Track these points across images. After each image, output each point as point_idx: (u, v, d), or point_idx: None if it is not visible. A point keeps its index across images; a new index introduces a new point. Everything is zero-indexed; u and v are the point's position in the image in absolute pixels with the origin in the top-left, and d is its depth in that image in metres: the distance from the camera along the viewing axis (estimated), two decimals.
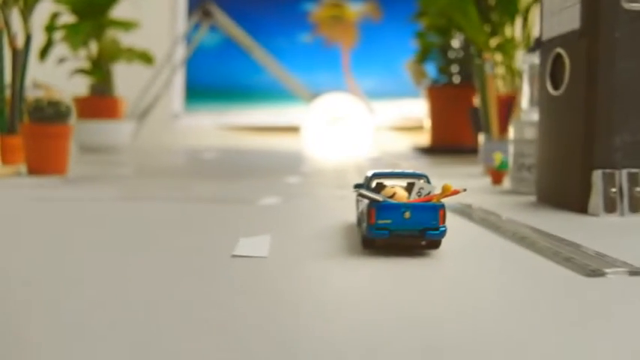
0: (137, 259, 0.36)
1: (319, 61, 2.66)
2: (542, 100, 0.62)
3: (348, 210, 0.56)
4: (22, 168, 0.96)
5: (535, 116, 0.73)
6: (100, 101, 1.74)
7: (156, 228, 0.48)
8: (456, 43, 1.66)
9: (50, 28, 1.65)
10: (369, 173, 0.40)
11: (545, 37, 0.62)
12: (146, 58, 1.79)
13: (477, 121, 1.32)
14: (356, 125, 2.16)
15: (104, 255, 0.37)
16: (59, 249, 0.39)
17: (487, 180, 0.90)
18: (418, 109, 2.46)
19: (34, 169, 0.91)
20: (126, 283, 0.31)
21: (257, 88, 2.61)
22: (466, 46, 1.63)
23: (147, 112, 2.10)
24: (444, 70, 1.68)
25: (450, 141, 1.71)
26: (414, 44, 1.78)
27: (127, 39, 1.86)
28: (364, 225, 0.37)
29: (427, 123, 1.80)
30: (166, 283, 0.31)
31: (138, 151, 1.81)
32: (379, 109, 2.48)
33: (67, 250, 0.39)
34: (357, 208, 0.42)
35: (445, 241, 0.40)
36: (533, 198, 0.68)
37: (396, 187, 0.38)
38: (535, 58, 0.74)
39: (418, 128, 2.39)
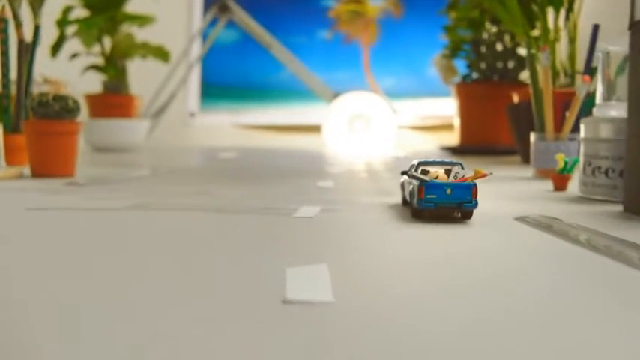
0: (160, 299, 0.26)
1: (338, 58, 2.55)
2: (633, 92, 0.51)
3: (401, 226, 0.46)
4: (26, 170, 0.86)
5: (612, 112, 0.62)
6: (114, 99, 1.64)
7: (177, 250, 0.37)
8: (489, 36, 1.54)
9: (62, 23, 1.56)
10: (415, 162, 0.48)
11: None
12: (161, 54, 1.69)
13: (517, 119, 1.20)
14: (379, 125, 2.05)
15: (117, 291, 0.27)
16: (56, 278, 0.28)
17: (542, 184, 0.79)
18: (442, 107, 2.35)
19: (38, 171, 0.81)
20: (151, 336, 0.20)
21: (276, 87, 2.51)
22: (501, 39, 1.52)
23: (162, 111, 2.00)
24: (475, 65, 1.56)
25: (481, 141, 1.60)
26: (442, 39, 1.67)
27: (141, 35, 1.76)
28: (414, 200, 0.46)
29: (456, 122, 1.69)
30: (198, 338, 0.20)
31: (153, 151, 1.71)
32: (401, 108, 2.37)
33: (68, 279, 0.28)
34: (403, 190, 0.51)
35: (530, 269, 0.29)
36: (615, 207, 0.57)
37: (438, 172, 0.47)
38: (610, 46, 0.62)
39: (444, 127, 2.27)
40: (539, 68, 0.88)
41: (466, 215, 0.47)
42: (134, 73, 1.99)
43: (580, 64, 1.19)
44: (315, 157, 1.45)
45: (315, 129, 2.25)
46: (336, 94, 2.18)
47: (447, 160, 0.49)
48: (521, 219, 0.48)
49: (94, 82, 1.72)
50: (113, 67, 1.62)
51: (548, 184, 0.77)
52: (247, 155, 1.52)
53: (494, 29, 1.55)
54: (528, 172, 0.98)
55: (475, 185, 0.45)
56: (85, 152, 1.58)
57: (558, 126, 0.85)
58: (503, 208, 0.56)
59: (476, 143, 1.60)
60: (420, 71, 2.47)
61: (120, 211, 0.51)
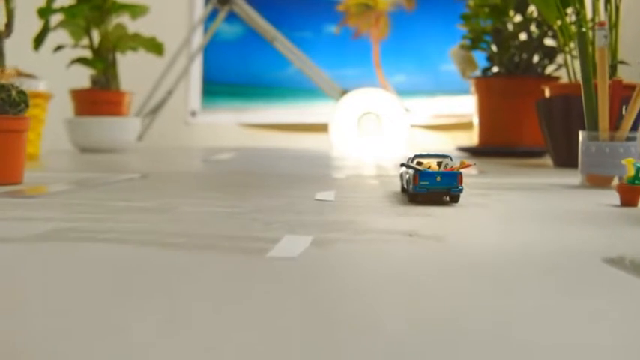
0: None
1: (347, 54, 2.38)
2: None
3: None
4: None
5: None
6: (102, 95, 1.48)
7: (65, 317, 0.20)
8: (513, 26, 1.37)
9: (45, 11, 1.40)
10: (411, 155, 0.55)
11: None
12: (154, 46, 1.53)
13: (549, 116, 1.03)
14: (390, 124, 1.88)
15: None
16: None
17: (599, 196, 0.62)
18: (458, 105, 2.18)
19: None
20: None
21: (281, 84, 2.34)
22: (526, 28, 1.34)
23: (158, 109, 1.84)
24: (497, 57, 1.39)
25: (502, 141, 1.42)
26: (459, 28, 1.49)
27: (137, 27, 1.60)
28: (410, 186, 0.52)
29: (474, 120, 1.51)
30: None
31: (145, 152, 1.55)
32: (413, 106, 2.20)
33: None
34: (402, 179, 0.56)
35: None
36: None
37: (431, 163, 0.54)
38: None
39: (460, 127, 2.10)
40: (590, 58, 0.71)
41: (454, 199, 0.52)
42: (129, 68, 1.84)
43: (623, 54, 1.01)
44: (320, 159, 1.28)
45: (322, 128, 2.08)
46: (344, 92, 2.01)
47: (439, 153, 0.55)
48: (614, 261, 0.31)
49: (83, 78, 1.56)
50: (101, 60, 1.46)
51: (607, 196, 0.60)
52: (245, 157, 1.35)
53: (518, 18, 1.37)
54: (571, 177, 0.81)
55: (460, 174, 0.51)
56: (69, 153, 1.42)
57: (614, 123, 0.68)
58: (572, 236, 0.39)
59: (496, 144, 1.43)
60: (434, 67, 2.29)
61: (24, 242, 0.35)
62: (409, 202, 0.53)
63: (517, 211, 0.51)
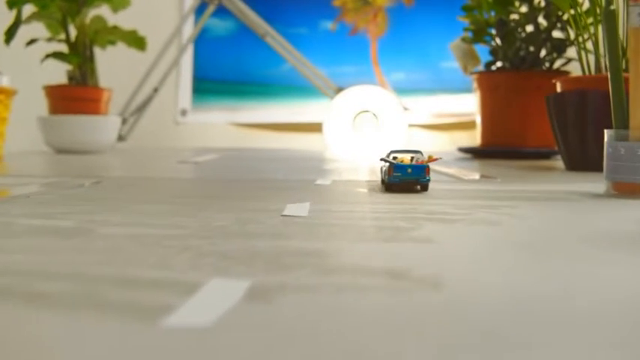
0: None
1: (344, 51, 2.26)
2: None
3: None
4: None
5: None
6: (78, 91, 1.36)
7: None
8: (519, 17, 1.25)
9: (14, 2, 1.28)
10: (389, 150, 0.61)
11: None
12: (135, 39, 1.41)
13: (563, 113, 0.91)
14: (387, 123, 1.76)
15: None
16: None
17: (633, 209, 0.50)
18: (459, 104, 2.06)
19: None
20: None
21: (275, 82, 2.23)
22: (533, 19, 1.22)
23: (144, 107, 1.72)
24: (502, 51, 1.27)
25: (507, 141, 1.30)
26: (460, 21, 1.37)
27: (120, 20, 1.48)
28: (386, 177, 0.59)
29: (476, 119, 1.39)
30: None
31: (126, 153, 1.44)
32: (412, 105, 2.08)
33: None
34: (381, 172, 0.62)
35: None
36: None
37: (404, 157, 0.60)
38: None
39: (461, 126, 1.98)
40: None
41: (423, 187, 0.59)
42: (116, 63, 1.72)
43: None
44: (310, 160, 1.16)
45: (318, 128, 1.97)
46: (339, 90, 1.90)
47: (411, 149, 0.62)
48: None
49: (59, 74, 1.44)
50: (77, 54, 1.34)
51: None
52: (229, 158, 1.23)
53: (524, 8, 1.26)
54: (590, 183, 0.69)
55: (428, 166, 0.58)
56: (41, 155, 1.30)
57: None
58: (627, 274, 0.27)
59: (500, 144, 1.31)
60: (434, 65, 2.18)
61: None
62: (385, 190, 0.60)
63: (537, 233, 0.39)
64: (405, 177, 0.58)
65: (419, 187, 0.59)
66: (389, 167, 0.58)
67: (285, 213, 0.44)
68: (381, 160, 0.60)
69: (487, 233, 0.38)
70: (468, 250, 0.33)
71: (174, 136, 2.17)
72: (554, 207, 0.52)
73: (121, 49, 1.49)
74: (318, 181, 0.70)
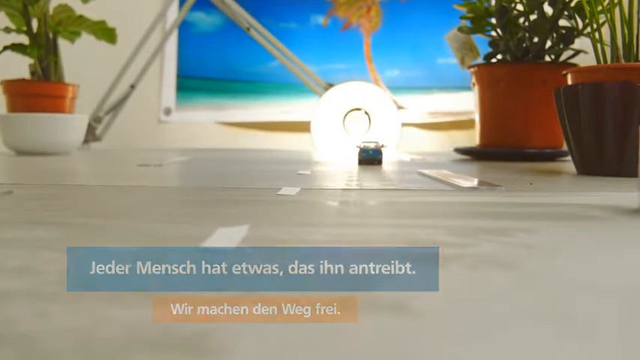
0: None
1: (336, 47, 2.12)
2: None
3: None
4: None
5: None
6: (40, 87, 1.22)
7: None
8: (522, 5, 1.10)
9: None
10: (361, 142, 0.93)
11: None
12: (103, 31, 1.27)
13: (575, 109, 0.77)
14: (380, 122, 1.62)
15: None
16: None
17: None
18: (456, 102, 1.92)
19: None
20: None
21: (263, 79, 2.09)
22: (539, 6, 1.08)
23: (120, 105, 1.58)
24: (503, 42, 1.13)
25: (508, 141, 1.16)
26: (457, 9, 1.23)
27: (88, 12, 1.34)
28: (359, 157, 0.90)
29: (475, 117, 1.25)
30: None
31: (94, 154, 1.30)
32: (407, 103, 1.94)
33: None
34: (359, 155, 0.91)
35: None
36: None
37: (368, 145, 0.91)
38: None
39: (458, 125, 1.84)
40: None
41: (379, 162, 0.90)
42: (87, 61, 1.58)
43: None
44: (289, 163, 1.02)
45: (308, 126, 1.83)
46: (330, 87, 1.75)
47: (376, 140, 0.93)
48: None
49: (21, 69, 1.30)
50: (38, 46, 1.20)
51: None
52: (200, 160, 1.09)
53: None
54: (615, 191, 0.55)
55: (380, 150, 0.91)
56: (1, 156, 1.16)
57: None
58: None
59: (501, 144, 1.17)
60: (430, 61, 2.04)
61: None
62: (358, 165, 0.86)
63: (570, 282, 0.25)
64: (369, 156, 0.90)
65: (377, 161, 0.90)
66: (360, 151, 0.91)
67: (206, 244, 0.30)
68: (357, 147, 0.93)
69: (498, 281, 0.24)
70: (472, 316, 0.19)
71: (158, 136, 2.03)
72: (584, 231, 0.37)
73: (101, 42, 1.35)
74: (282, 191, 0.55)
